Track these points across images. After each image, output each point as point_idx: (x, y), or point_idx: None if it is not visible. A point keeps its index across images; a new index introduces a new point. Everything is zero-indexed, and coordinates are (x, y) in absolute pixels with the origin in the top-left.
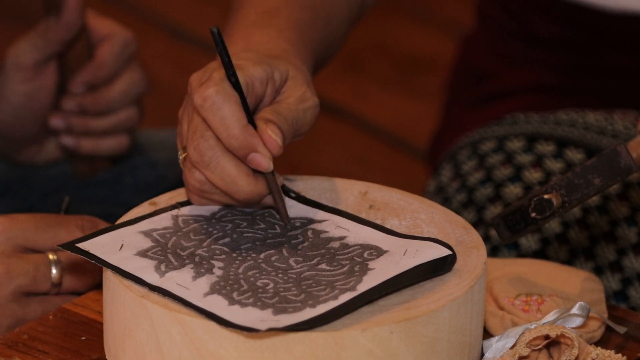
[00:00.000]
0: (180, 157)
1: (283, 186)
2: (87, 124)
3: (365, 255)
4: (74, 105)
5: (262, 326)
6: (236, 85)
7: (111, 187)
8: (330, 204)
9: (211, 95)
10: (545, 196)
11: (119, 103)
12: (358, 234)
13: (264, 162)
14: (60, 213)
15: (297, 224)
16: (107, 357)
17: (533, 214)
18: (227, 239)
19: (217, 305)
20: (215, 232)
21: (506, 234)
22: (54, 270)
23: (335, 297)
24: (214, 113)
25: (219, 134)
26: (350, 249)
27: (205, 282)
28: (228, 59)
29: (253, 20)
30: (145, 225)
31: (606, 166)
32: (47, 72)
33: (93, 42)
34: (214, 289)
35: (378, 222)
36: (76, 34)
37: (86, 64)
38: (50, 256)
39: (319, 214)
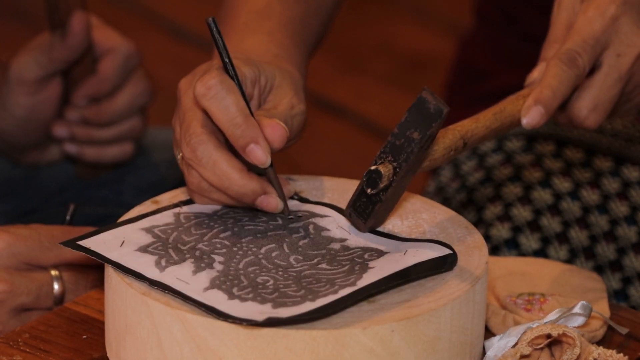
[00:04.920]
0: (178, 157)
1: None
2: (91, 134)
3: (366, 256)
4: (77, 117)
5: (261, 318)
6: (234, 77)
7: (113, 187)
8: (333, 204)
9: (215, 85)
10: (373, 168)
11: (122, 115)
12: (359, 236)
13: (263, 155)
14: (65, 220)
15: (299, 214)
16: (108, 354)
17: (368, 190)
18: (228, 232)
19: (217, 299)
20: (216, 226)
21: (359, 221)
22: (56, 286)
23: (335, 292)
24: (218, 102)
25: (221, 123)
26: (351, 251)
27: (205, 276)
28: (225, 48)
29: (244, 20)
30: (146, 222)
31: (419, 117)
32: (51, 86)
33: (96, 55)
34: (213, 284)
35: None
36: (81, 54)
37: (89, 77)
38: (53, 272)
39: (321, 210)
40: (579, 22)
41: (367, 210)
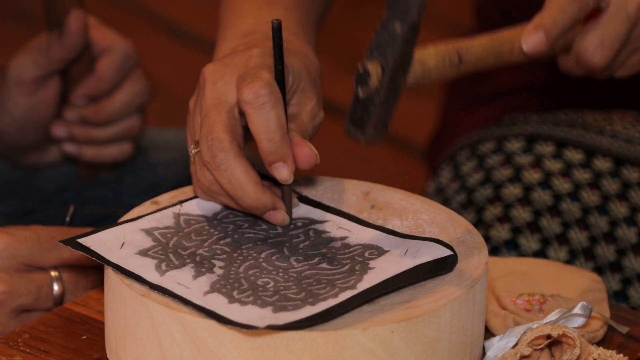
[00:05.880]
0: (192, 152)
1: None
2: (89, 134)
3: (366, 254)
4: (75, 117)
5: (261, 323)
6: (280, 85)
7: (113, 187)
8: (333, 204)
9: (264, 95)
10: (360, 69)
11: (120, 114)
12: (359, 234)
13: (287, 175)
14: (65, 221)
15: (299, 224)
16: (108, 356)
17: (360, 93)
18: (228, 239)
19: (217, 303)
20: (216, 232)
21: (359, 134)
22: (55, 287)
23: (335, 295)
24: (262, 114)
25: (257, 134)
26: (352, 249)
27: (205, 281)
28: (282, 56)
29: None
30: (147, 222)
31: (399, 8)
32: (49, 86)
33: (94, 55)
34: (214, 288)
35: (380, 222)
36: (78, 53)
37: (87, 77)
38: (52, 273)
39: (321, 215)
40: None
41: (364, 118)
